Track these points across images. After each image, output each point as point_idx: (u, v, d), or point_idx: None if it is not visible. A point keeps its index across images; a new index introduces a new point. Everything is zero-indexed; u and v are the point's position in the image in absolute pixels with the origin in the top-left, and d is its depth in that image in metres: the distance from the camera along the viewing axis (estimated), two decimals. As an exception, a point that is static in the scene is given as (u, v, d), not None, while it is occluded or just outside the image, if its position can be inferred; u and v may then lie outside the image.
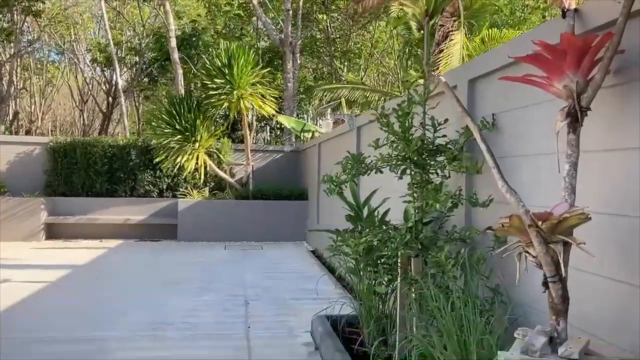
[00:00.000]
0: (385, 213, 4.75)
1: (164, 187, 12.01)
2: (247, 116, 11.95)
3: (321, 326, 4.61)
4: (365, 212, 4.72)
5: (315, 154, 10.44)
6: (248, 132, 11.98)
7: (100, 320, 5.25)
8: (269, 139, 21.90)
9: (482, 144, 2.20)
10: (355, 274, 4.51)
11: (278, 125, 20.31)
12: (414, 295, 3.42)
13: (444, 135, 3.53)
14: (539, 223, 1.93)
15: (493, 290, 3.13)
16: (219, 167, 11.96)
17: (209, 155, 11.81)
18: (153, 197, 11.90)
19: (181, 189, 11.90)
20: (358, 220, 4.65)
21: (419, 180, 3.50)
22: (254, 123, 19.66)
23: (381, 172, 3.87)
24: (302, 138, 13.83)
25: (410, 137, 3.46)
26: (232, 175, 12.45)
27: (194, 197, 11.59)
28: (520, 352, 1.89)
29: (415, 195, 3.61)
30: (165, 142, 11.02)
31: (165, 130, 11.10)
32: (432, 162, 3.41)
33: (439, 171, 3.57)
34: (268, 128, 22.08)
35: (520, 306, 2.95)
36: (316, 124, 11.69)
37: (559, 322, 2.02)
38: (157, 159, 11.18)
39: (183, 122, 11.13)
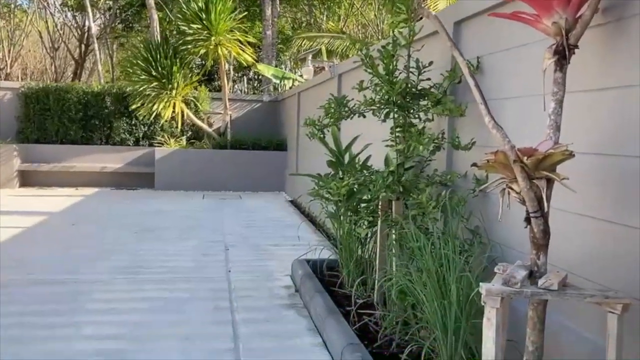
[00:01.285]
0: (367, 159, 4.76)
1: (141, 135, 11.83)
2: (225, 64, 11.72)
3: (301, 269, 4.66)
4: (346, 158, 4.72)
5: (294, 104, 10.35)
6: (226, 80, 11.78)
7: (78, 264, 5.23)
8: (246, 90, 21.60)
9: (470, 79, 2.19)
10: (335, 218, 4.54)
11: (256, 77, 20.02)
12: (394, 236, 3.46)
13: (428, 79, 3.51)
14: (524, 158, 1.94)
15: (472, 231, 3.18)
16: (196, 116, 11.80)
17: (186, 103, 11.63)
18: (129, 145, 11.73)
19: (158, 138, 11.74)
20: (339, 165, 4.65)
21: (402, 124, 3.49)
22: (231, 73, 19.33)
23: (364, 116, 3.85)
24: (280, 88, 13.67)
25: (394, 80, 3.43)
26: (210, 125, 12.31)
27: (171, 146, 11.47)
28: (501, 283, 1.93)
29: (397, 138, 3.61)
30: (141, 89, 10.80)
31: (141, 77, 10.86)
32: (416, 106, 3.39)
33: (421, 115, 3.56)
34: (245, 79, 21.75)
35: (499, 247, 3.01)
36: (295, 74, 11.53)
37: (539, 257, 2.06)
38: (133, 107, 10.97)
39: (159, 69, 10.88)
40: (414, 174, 3.53)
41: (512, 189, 2.08)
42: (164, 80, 10.89)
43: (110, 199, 9.88)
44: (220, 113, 12.14)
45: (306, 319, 3.94)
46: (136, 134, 11.81)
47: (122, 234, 6.72)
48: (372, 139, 5.08)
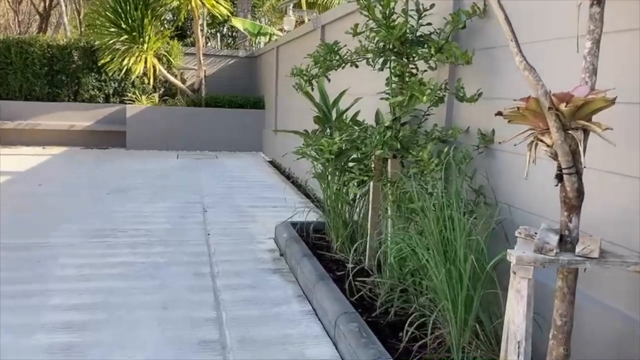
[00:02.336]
0: (355, 115, 4.46)
1: (111, 91, 11.29)
2: (199, 17, 11.17)
3: (286, 232, 4.39)
4: (334, 115, 4.41)
5: (272, 59, 9.92)
6: (200, 33, 11.25)
7: (46, 227, 4.88)
8: (220, 46, 20.87)
9: (499, 11, 1.87)
10: (322, 178, 4.26)
11: (230, 33, 19.34)
12: (390, 197, 3.20)
13: (429, 24, 3.19)
14: (561, 105, 1.67)
15: (476, 191, 2.93)
16: (169, 72, 11.29)
17: (158, 58, 11.09)
18: (99, 102, 11.20)
19: (129, 94, 11.22)
20: (326, 121, 4.34)
21: (400, 73, 3.19)
22: (205, 29, 18.61)
23: (356, 65, 3.53)
24: (255, 43, 13.15)
25: (392, 24, 3.11)
26: (183, 81, 11.81)
27: (142, 103, 10.98)
28: (533, 250, 1.68)
29: (394, 90, 3.31)
30: (110, 42, 10.24)
31: (110, 30, 10.28)
32: (415, 53, 3.08)
33: (420, 64, 3.26)
34: (219, 36, 21.01)
35: (507, 208, 2.77)
36: (272, 27, 11.03)
37: (570, 219, 1.81)
38: (102, 61, 10.42)
39: (129, 21, 10.30)
40: (411, 130, 3.25)
41: (542, 141, 1.81)
42: (134, 34, 10.33)
43: (80, 158, 9.43)
44: (194, 69, 11.64)
45: (293, 285, 3.69)
46: (106, 91, 11.27)
47: (94, 195, 6.35)
48: (361, 93, 4.77)
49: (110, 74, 10.90)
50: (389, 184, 3.20)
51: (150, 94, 11.31)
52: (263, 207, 6.06)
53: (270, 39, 9.99)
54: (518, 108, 1.75)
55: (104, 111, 11.06)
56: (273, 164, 9.58)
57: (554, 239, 1.72)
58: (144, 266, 3.96)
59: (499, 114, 1.85)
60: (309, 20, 9.07)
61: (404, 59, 3.11)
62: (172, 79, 11.20)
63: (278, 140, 9.55)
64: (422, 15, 3.15)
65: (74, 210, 5.55)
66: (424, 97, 2.72)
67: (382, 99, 3.48)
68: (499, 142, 2.15)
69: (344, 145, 3.26)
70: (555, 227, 1.90)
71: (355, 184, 3.66)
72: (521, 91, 2.70)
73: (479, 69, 3.02)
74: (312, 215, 5.13)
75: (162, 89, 11.60)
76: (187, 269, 3.94)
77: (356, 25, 3.23)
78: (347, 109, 4.34)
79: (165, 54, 11.31)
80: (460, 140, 3.18)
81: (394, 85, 3.29)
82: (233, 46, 17.81)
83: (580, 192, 1.79)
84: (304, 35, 7.44)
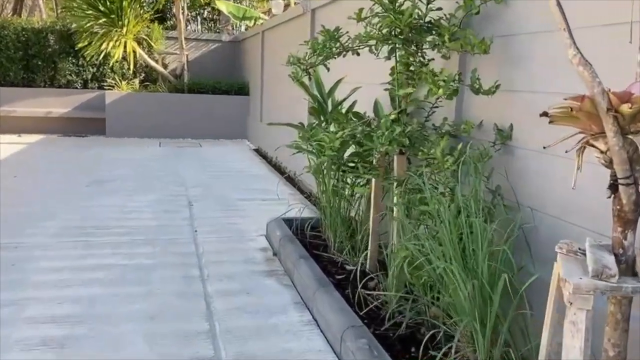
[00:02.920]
0: (353, 105, 4.20)
1: (89, 77, 10.85)
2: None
3: (279, 230, 4.13)
4: (329, 105, 4.14)
5: (257, 44, 9.58)
6: (181, 16, 10.84)
7: (22, 224, 4.56)
8: (201, 30, 20.34)
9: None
10: (318, 173, 4.00)
11: (211, 16, 18.84)
12: (396, 197, 2.95)
13: (440, 8, 2.93)
14: (624, 107, 1.43)
15: (493, 192, 2.70)
16: (149, 57, 10.89)
17: (139, 42, 10.69)
18: (77, 88, 10.77)
19: (108, 80, 10.80)
20: (322, 113, 4.08)
21: (407, 62, 2.93)
22: (185, 12, 18.10)
23: (358, 54, 3.26)
24: (237, 26, 12.76)
25: (399, 9, 2.84)
26: (165, 66, 11.42)
27: (122, 89, 10.58)
28: (590, 275, 1.45)
29: (399, 81, 3.05)
30: (87, 25, 9.82)
31: (88, 13, 9.86)
32: (426, 40, 2.82)
33: (427, 53, 3.00)
34: (199, 19, 20.46)
35: (530, 211, 2.54)
36: (256, 10, 10.65)
37: (626, 236, 1.58)
38: (80, 45, 9.99)
39: (108, 4, 9.88)
40: (418, 123, 3.00)
41: (594, 146, 1.57)
42: (113, 17, 9.91)
43: (58, 147, 9.03)
44: (176, 53, 11.25)
45: (289, 290, 3.44)
46: (84, 76, 10.83)
47: (72, 187, 6.02)
48: (358, 82, 4.51)
49: (88, 59, 10.47)
50: (395, 183, 2.95)
51: (131, 79, 10.90)
52: (251, 200, 5.79)
53: (255, 23, 9.64)
54: (571, 109, 1.50)
55: (82, 97, 10.64)
56: (259, 152, 9.28)
57: (611, 262, 1.49)
58: (129, 269, 3.67)
59: (545, 114, 1.60)
60: (296, 3, 8.74)
61: (412, 47, 2.85)
62: (153, 64, 10.80)
63: (263, 128, 9.25)
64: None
65: (52, 204, 5.22)
66: (440, 90, 2.47)
67: (386, 89, 3.22)
68: (544, 147, 1.91)
69: (353, 137, 3.00)
70: (604, 243, 1.67)
71: (361, 183, 3.40)
72: (546, 84, 2.47)
73: (495, 59, 2.78)
74: (303, 209, 4.88)
75: (143, 75, 11.20)
76: (175, 271, 3.67)
77: (360, 10, 2.95)
78: (343, 99, 4.07)
79: (146, 38, 10.90)
80: (473, 135, 2.94)
81: (399, 75, 3.03)
82: (214, 30, 17.36)
83: (638, 205, 1.56)
84: (292, 20, 7.12)
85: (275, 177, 7.06)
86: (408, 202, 2.80)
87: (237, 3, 11.74)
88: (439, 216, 2.42)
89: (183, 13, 11.56)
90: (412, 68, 2.98)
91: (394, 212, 3.00)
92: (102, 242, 4.21)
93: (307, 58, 3.22)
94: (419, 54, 2.86)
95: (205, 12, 18.99)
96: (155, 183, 6.41)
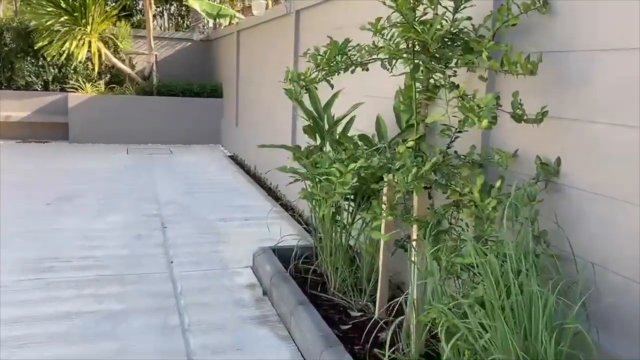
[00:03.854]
0: (350, 122, 3.74)
1: (50, 78, 10.13)
2: (149, -4, 10.13)
3: (269, 264, 3.64)
4: (326, 122, 3.66)
5: (232, 45, 9.03)
6: (150, 14, 10.21)
7: (-31, 257, 3.98)
8: (167, 27, 19.55)
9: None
10: (313, 200, 3.52)
11: (179, 12, 18.12)
12: (426, 245, 2.50)
13: (469, 18, 2.48)
14: None
15: (537, 238, 2.26)
16: (116, 57, 10.23)
17: (104, 42, 10.03)
18: (37, 90, 10.04)
19: (71, 82, 10.10)
20: (318, 132, 3.60)
21: (439, 83, 2.48)
22: (152, 7, 17.35)
23: (367, 69, 2.79)
24: (205, 24, 12.16)
25: (423, 18, 2.38)
26: (132, 67, 10.77)
27: (87, 91, 9.90)
28: None
29: (419, 103, 2.59)
30: (48, 23, 9.13)
31: (48, 9, 9.17)
32: (458, 56, 2.36)
33: (455, 72, 2.55)
34: (166, 15, 19.66)
35: (585, 265, 2.12)
36: (233, 9, 10.06)
37: None
38: (39, 44, 9.29)
39: (70, 1, 9.20)
40: (441, 152, 2.54)
41: None
42: (75, 14, 9.25)
43: (15, 154, 8.33)
44: (144, 53, 10.61)
45: (287, 344, 2.95)
46: (45, 77, 10.10)
47: (30, 206, 5.41)
48: (354, 95, 4.05)
49: (49, 59, 9.77)
50: (415, 222, 2.50)
51: (96, 81, 10.22)
52: (232, 220, 5.27)
53: (230, 22, 9.10)
54: None
55: (42, 100, 9.92)
56: (235, 159, 8.75)
57: None
58: (96, 318, 3.14)
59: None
60: (275, 2, 8.25)
61: (440, 65, 2.39)
62: (119, 64, 10.15)
63: (239, 134, 8.72)
64: (462, 6, 2.44)
65: (4, 230, 4.62)
66: (483, 122, 2.01)
67: (402, 111, 2.76)
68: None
69: (360, 173, 2.53)
70: None
71: (373, 224, 2.94)
72: (610, 113, 2.04)
73: (535, 80, 2.34)
74: (287, 227, 4.40)
75: (109, 76, 10.51)
76: (151, 319, 3.15)
77: (378, 19, 2.48)
78: (342, 117, 3.60)
79: (112, 37, 10.24)
80: (504, 168, 2.50)
81: (420, 96, 2.58)
82: (183, 27, 16.66)
83: None
84: (273, 20, 6.61)
85: (255, 190, 6.56)
86: (436, 249, 2.34)
87: (211, 1, 11.13)
88: (486, 273, 1.97)
89: (151, 10, 10.91)
90: (429, 86, 2.53)
91: (412, 256, 2.54)
92: (64, 280, 3.66)
93: (307, 73, 2.74)
94: (446, 73, 2.40)
95: (172, 8, 18.28)
96: (123, 200, 5.84)
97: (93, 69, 9.89)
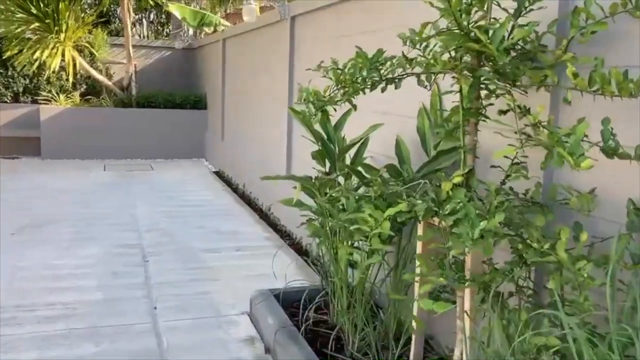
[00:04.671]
0: (364, 145, 3.21)
1: (20, 90, 9.47)
2: (128, 1, 9.52)
3: (271, 315, 3.08)
4: (336, 145, 3.13)
5: (218, 53, 8.47)
6: (129, 20, 9.60)
7: None
8: (146, 34, 18.87)
9: None
10: (323, 238, 2.97)
11: (158, 19, 17.48)
12: (470, 309, 1.96)
13: (536, 24, 1.96)
14: None
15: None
16: (92, 66, 9.61)
17: (79, 50, 9.41)
18: (6, 102, 9.36)
19: (43, 93, 9.45)
20: (328, 157, 3.06)
21: (478, 101, 1.95)
22: (131, 14, 16.68)
23: (397, 86, 2.26)
24: (184, 34, 11.57)
25: (475, 24, 1.86)
26: (110, 77, 10.15)
27: (60, 103, 9.25)
28: None
29: (463, 125, 2.07)
30: (18, 30, 8.49)
31: (18, 16, 8.54)
32: (529, 71, 1.84)
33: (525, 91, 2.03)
34: (145, 22, 18.97)
35: None
36: (217, 15, 9.47)
37: None
38: (9, 54, 8.65)
39: (41, 6, 8.59)
40: (498, 192, 2.02)
41: None
42: (48, 21, 8.63)
43: (-19, 173, 7.67)
44: (123, 63, 9.99)
45: (300, 421, 2.40)
46: (14, 88, 9.44)
47: (-8, 237, 4.79)
48: (367, 113, 3.52)
49: (19, 69, 9.11)
50: (472, 284, 1.96)
51: (70, 92, 9.58)
52: (221, 250, 4.70)
53: (215, 29, 8.55)
54: None
55: (12, 113, 9.25)
56: (221, 176, 8.16)
57: None
58: (62, 392, 2.55)
59: None
60: (262, 8, 7.73)
61: (506, 81, 1.87)
62: (96, 74, 9.52)
63: (226, 148, 8.15)
64: (527, 10, 1.92)
65: (-38, 268, 4.01)
66: (585, 162, 1.49)
67: (438, 133, 2.23)
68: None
69: (397, 218, 1.99)
70: None
71: (365, 246, 2.39)
72: None
73: (628, 102, 1.83)
74: (285, 259, 3.85)
75: (84, 87, 9.89)
76: (130, 391, 2.57)
77: (424, 25, 1.95)
78: (360, 140, 3.07)
79: (87, 45, 9.61)
80: (567, 210, 1.98)
81: (473, 121, 2.05)
82: (163, 35, 16.01)
83: None
84: (265, 27, 6.07)
85: (245, 212, 5.99)
86: (503, 316, 1.81)
87: (193, 6, 10.55)
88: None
89: (130, 18, 10.30)
90: (479, 106, 2.00)
91: (464, 327, 2.01)
92: (26, 336, 3.05)
93: (327, 92, 2.20)
94: (511, 94, 1.87)
95: (152, 15, 17.63)
96: (99, 226, 5.23)
97: (67, 80, 9.25)
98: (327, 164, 3.12)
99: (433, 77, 2.15)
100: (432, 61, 2.01)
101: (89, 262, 4.27)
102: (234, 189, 7.24)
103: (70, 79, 9.10)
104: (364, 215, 1.90)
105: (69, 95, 9.47)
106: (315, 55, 4.69)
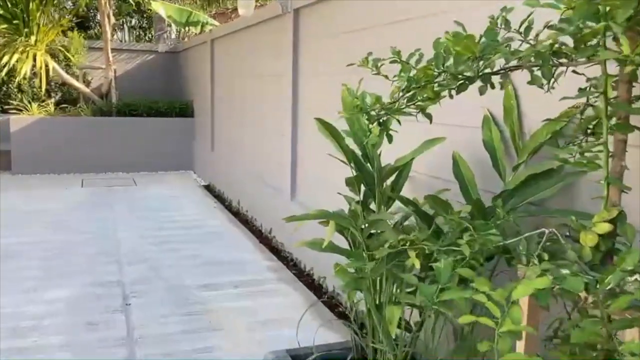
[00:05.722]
0: (406, 167, 2.47)
1: (-12, 98, 8.64)
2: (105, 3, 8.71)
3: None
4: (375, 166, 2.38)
5: (205, 56, 7.70)
6: (107, 22, 8.80)
7: None
8: (127, 40, 17.99)
9: None
10: (361, 288, 2.23)
11: (140, 23, 16.65)
12: None
13: None
14: None
15: None
16: (67, 72, 8.80)
17: (53, 55, 8.59)
18: (-28, 112, 8.53)
19: (14, 102, 8.61)
20: (365, 183, 2.32)
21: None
22: (111, 19, 15.81)
23: (492, 86, 1.54)
24: (167, 36, 10.79)
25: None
26: (87, 83, 9.34)
27: (33, 113, 8.41)
28: None
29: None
30: (-18, 33, 7.68)
31: (-17, 17, 7.72)
32: None
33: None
34: (126, 27, 18.09)
35: None
36: (205, 13, 8.67)
37: None
38: (-27, 59, 7.82)
39: (9, 6, 7.78)
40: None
41: None
42: (16, 22, 7.83)
43: (-58, 193, 6.82)
44: (101, 68, 9.18)
45: None
46: (-19, 97, 8.60)
47: (-58, 276, 3.98)
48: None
49: (-15, 76, 8.28)
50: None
51: (43, 100, 8.75)
52: (219, 287, 3.94)
53: (202, 30, 7.79)
54: None
55: (-21, 124, 8.40)
56: (211, 191, 7.39)
57: None
58: None
59: None
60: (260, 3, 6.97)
61: None
62: (72, 81, 8.71)
63: (216, 159, 7.38)
64: None
65: None
66: None
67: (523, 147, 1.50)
68: None
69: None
70: None
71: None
72: None
73: None
74: (297, 298, 3.09)
75: (59, 94, 9.06)
76: None
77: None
78: (412, 158, 2.34)
79: (62, 49, 8.79)
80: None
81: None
82: (145, 38, 15.16)
83: None
84: (261, 24, 5.32)
85: (242, 235, 5.23)
86: None
87: (179, 3, 9.77)
88: None
89: (109, 20, 9.51)
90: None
91: None
92: None
93: (393, 96, 1.47)
94: None
95: (134, 21, 16.79)
96: (73, 258, 4.45)
97: (40, 87, 8.41)
98: (361, 194, 2.38)
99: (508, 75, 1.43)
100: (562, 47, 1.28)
101: (58, 308, 3.49)
102: (227, 206, 6.48)
103: (43, 85, 8.25)
104: (479, 295, 1.17)
105: (42, 104, 8.63)
106: (325, 54, 3.96)
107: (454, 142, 2.47)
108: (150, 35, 14.34)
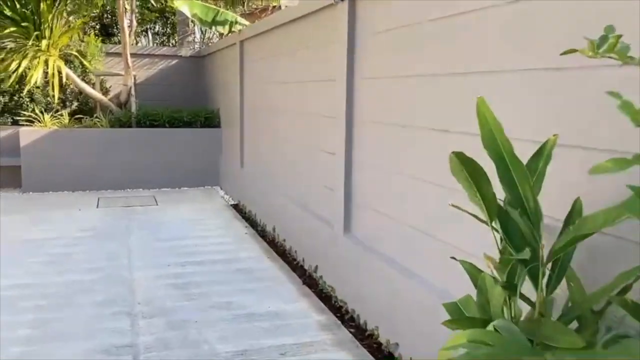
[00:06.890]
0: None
1: (-3, 109, 7.91)
2: (125, 2, 7.93)
3: None
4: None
5: (234, 60, 6.85)
6: (125, 21, 8.01)
7: None
8: (152, 46, 17.28)
9: None
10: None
11: (164, 30, 15.96)
12: None
13: None
14: None
15: None
16: (83, 79, 8.02)
17: (68, 61, 7.83)
18: (-20, 124, 7.81)
19: (25, 113, 7.85)
20: (530, 246, 1.38)
21: None
22: (134, 25, 15.12)
23: None
24: (194, 39, 10.00)
25: None
26: (105, 92, 8.55)
27: (45, 124, 7.63)
28: None
29: None
30: (-11, 37, 6.95)
31: (-10, 20, 6.99)
32: None
33: None
34: (150, 34, 17.42)
35: None
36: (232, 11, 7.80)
37: None
38: (-22, 65, 7.09)
39: (18, 8, 7.03)
40: None
41: None
42: (26, 24, 7.07)
43: (-60, 217, 6.06)
44: (120, 74, 8.38)
45: None
46: (-10, 108, 7.87)
47: None
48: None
49: (-6, 84, 7.55)
50: None
51: (57, 111, 7.98)
52: (260, 353, 3.03)
53: (230, 30, 6.94)
54: None
55: (-13, 137, 7.68)
56: (240, 211, 6.50)
57: None
58: None
59: None
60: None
61: None
62: (88, 89, 7.92)
63: (246, 177, 6.50)
64: None
65: None
66: None
67: None
68: None
69: None
70: None
71: None
72: None
73: None
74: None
75: (75, 104, 8.28)
76: None
77: None
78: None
79: (77, 54, 8.01)
80: None
81: None
82: (168, 44, 14.42)
83: None
84: (303, 18, 4.43)
85: (280, 273, 4.33)
86: None
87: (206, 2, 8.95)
88: None
89: (130, 25, 8.73)
90: None
91: None
92: None
93: None
94: None
95: (157, 26, 16.11)
96: (74, 310, 3.58)
97: (53, 96, 7.63)
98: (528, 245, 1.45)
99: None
100: None
101: (48, 392, 2.62)
102: (260, 232, 5.58)
103: (56, 94, 7.46)
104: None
105: (55, 115, 7.85)
106: (392, 52, 3.04)
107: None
108: (174, 42, 13.63)
